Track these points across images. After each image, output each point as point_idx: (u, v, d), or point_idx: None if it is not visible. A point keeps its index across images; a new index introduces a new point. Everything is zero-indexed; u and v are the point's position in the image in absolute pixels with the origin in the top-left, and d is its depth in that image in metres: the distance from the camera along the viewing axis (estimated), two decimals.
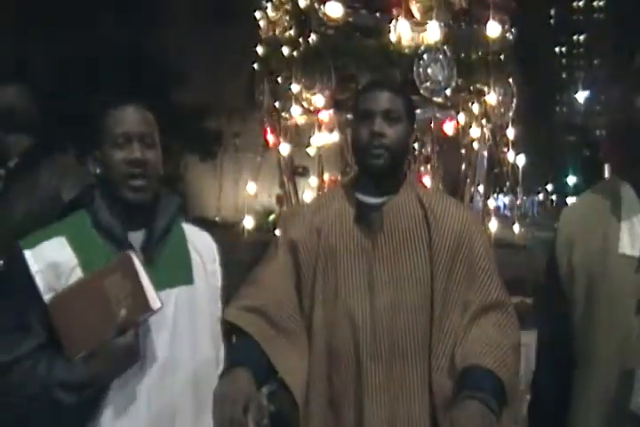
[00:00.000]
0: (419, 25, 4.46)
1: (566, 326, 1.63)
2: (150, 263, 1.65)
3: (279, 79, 4.69)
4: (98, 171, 1.71)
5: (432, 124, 4.63)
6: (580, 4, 72.09)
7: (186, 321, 1.71)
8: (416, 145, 4.61)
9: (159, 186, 1.74)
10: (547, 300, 1.75)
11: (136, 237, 1.70)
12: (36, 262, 1.61)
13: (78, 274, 1.62)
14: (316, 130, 4.61)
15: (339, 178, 4.65)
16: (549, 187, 44.20)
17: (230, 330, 1.83)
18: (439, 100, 4.45)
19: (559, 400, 1.66)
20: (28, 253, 1.62)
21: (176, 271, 1.74)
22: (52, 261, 1.62)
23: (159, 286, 1.62)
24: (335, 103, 4.44)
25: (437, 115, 4.59)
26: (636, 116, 1.56)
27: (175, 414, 1.67)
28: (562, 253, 1.66)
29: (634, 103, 1.57)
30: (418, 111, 2.11)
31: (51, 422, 1.61)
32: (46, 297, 1.60)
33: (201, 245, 1.84)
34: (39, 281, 1.60)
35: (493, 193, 5.43)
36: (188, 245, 1.80)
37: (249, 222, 4.93)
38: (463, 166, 5.03)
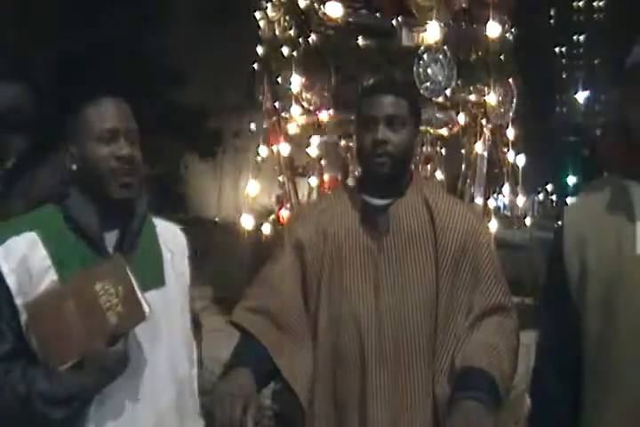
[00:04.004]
0: (419, 25, 4.46)
1: (573, 328, 1.58)
2: None
3: (279, 79, 4.69)
4: (74, 167, 1.62)
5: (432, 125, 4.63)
6: (580, 4, 72.07)
7: (163, 325, 1.64)
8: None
9: (142, 183, 1.67)
10: (551, 300, 1.70)
11: (109, 238, 1.61)
12: (7, 261, 1.48)
13: (52, 277, 1.51)
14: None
15: (339, 178, 4.65)
16: (549, 187, 44.18)
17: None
18: (439, 100, 4.45)
19: (565, 405, 1.62)
20: None
21: (149, 273, 1.65)
22: (24, 259, 1.49)
23: None
24: (335, 103, 4.44)
25: (437, 115, 4.59)
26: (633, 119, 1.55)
27: (162, 420, 1.62)
28: (572, 255, 1.60)
29: (627, 104, 1.56)
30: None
31: None
32: (18, 300, 1.48)
33: (172, 243, 1.77)
34: (11, 282, 1.47)
35: (493, 193, 5.43)
36: (159, 242, 1.73)
37: (248, 222, 4.92)
38: (463, 166, 5.03)
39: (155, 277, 1.67)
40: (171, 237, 1.78)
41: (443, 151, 5.06)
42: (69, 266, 1.53)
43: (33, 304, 1.48)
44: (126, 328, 1.51)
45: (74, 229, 1.58)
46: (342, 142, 4.79)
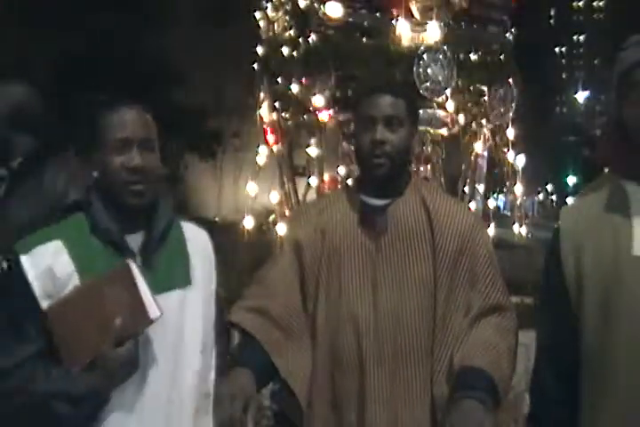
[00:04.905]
0: (419, 25, 4.47)
1: (570, 329, 1.59)
2: (149, 266, 1.62)
3: (279, 79, 4.70)
4: (95, 174, 1.67)
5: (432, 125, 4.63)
6: (580, 4, 72.09)
7: (186, 325, 1.67)
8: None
9: (158, 189, 1.71)
10: (549, 303, 1.71)
11: (135, 240, 1.66)
12: (32, 268, 1.57)
13: (75, 281, 1.58)
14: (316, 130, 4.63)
15: (339, 178, 4.65)
16: (549, 187, 44.20)
17: (231, 330, 1.83)
18: (439, 100, 4.46)
19: (564, 406, 1.62)
20: (23, 259, 1.58)
21: (175, 273, 1.70)
22: (48, 266, 1.58)
23: (158, 290, 1.58)
24: (335, 103, 4.44)
25: (437, 115, 4.60)
26: (630, 117, 1.56)
27: (177, 422, 1.63)
28: (569, 258, 1.60)
29: (622, 105, 1.57)
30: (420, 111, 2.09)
31: None
32: (43, 304, 1.56)
33: (199, 246, 1.80)
34: (36, 288, 1.56)
35: (493, 193, 5.44)
36: (187, 244, 1.76)
37: (249, 223, 4.93)
38: (463, 166, 5.04)
39: (181, 277, 1.70)
40: (199, 241, 1.81)
41: (443, 151, 5.06)
42: (93, 270, 1.59)
43: (51, 308, 1.56)
44: (132, 331, 1.55)
45: (97, 234, 1.63)
46: (343, 142, 4.79)
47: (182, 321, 1.66)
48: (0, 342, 1.58)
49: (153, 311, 1.54)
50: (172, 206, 1.75)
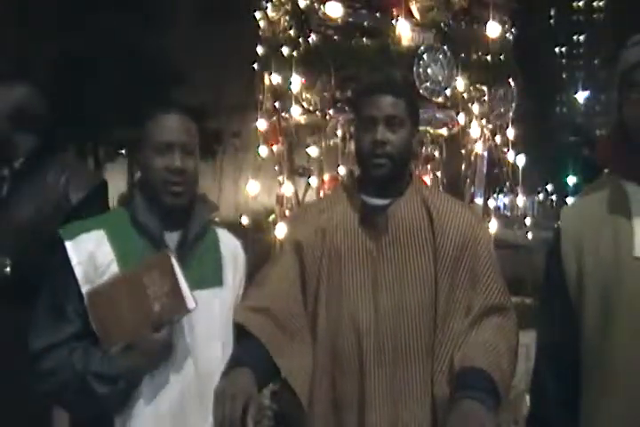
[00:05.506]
0: (419, 25, 4.46)
1: (570, 329, 1.59)
2: (184, 264, 1.70)
3: (279, 79, 4.70)
4: (139, 173, 1.80)
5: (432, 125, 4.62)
6: (580, 4, 72.12)
7: (215, 322, 1.77)
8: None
9: (196, 191, 1.82)
10: (550, 303, 1.71)
11: (172, 238, 1.77)
12: (76, 254, 1.68)
13: (114, 269, 1.69)
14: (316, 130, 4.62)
15: (339, 178, 4.65)
16: (549, 187, 44.19)
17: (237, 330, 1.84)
18: (439, 100, 4.45)
19: (564, 406, 1.62)
20: (68, 244, 1.69)
21: (208, 273, 1.79)
22: (91, 254, 1.69)
23: (191, 287, 1.67)
24: (335, 103, 4.44)
25: (437, 115, 4.59)
26: (629, 116, 1.56)
27: (199, 410, 1.71)
28: (569, 258, 1.60)
29: (623, 105, 1.57)
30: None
31: (83, 409, 1.68)
32: (84, 288, 1.66)
33: (231, 250, 1.90)
34: (78, 273, 1.67)
35: (493, 193, 5.43)
36: (221, 250, 1.86)
37: (248, 222, 4.93)
38: (463, 166, 5.03)
39: (212, 278, 1.80)
40: (232, 246, 1.91)
41: (443, 151, 5.06)
42: (131, 260, 1.70)
43: (92, 292, 1.66)
44: (169, 317, 1.65)
45: (137, 227, 1.74)
46: (343, 143, 4.79)
47: (210, 320, 1.75)
48: (42, 323, 1.69)
49: (190, 302, 1.63)
50: (210, 210, 1.85)
